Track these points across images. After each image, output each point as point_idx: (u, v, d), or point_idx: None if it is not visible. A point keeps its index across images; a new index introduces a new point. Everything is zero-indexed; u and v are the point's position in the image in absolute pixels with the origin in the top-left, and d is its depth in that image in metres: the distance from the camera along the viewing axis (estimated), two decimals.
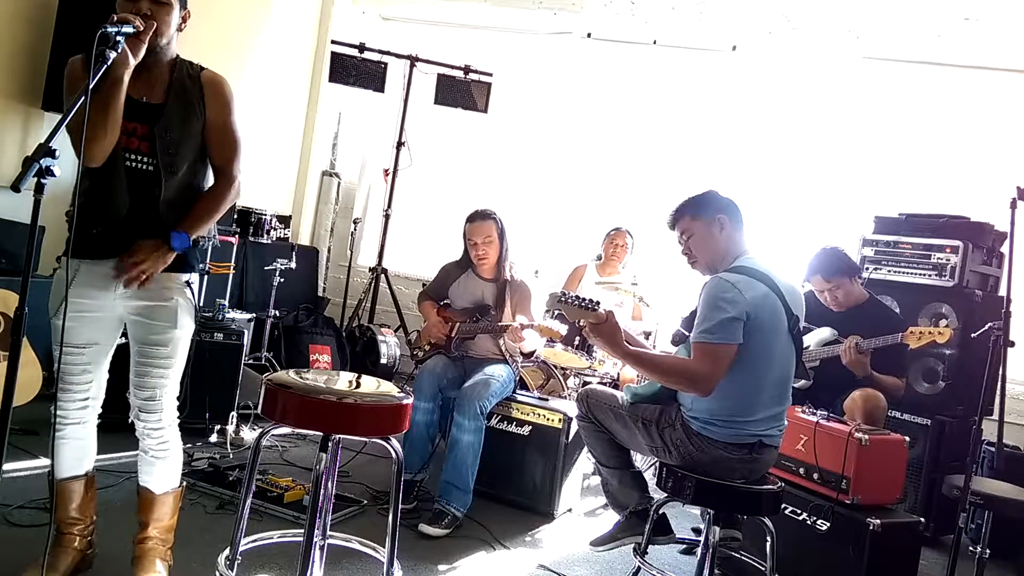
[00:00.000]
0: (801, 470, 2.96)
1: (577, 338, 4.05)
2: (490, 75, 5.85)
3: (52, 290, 2.25)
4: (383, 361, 5.39)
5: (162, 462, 2.32)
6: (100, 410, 2.34)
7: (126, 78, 2.09)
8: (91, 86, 1.83)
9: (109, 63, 1.93)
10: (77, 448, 2.30)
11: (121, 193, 2.22)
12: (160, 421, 2.29)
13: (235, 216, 5.27)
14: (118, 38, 1.95)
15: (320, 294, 6.51)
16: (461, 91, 5.86)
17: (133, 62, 2.09)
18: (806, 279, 3.56)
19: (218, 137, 2.32)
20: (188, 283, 2.33)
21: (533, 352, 3.75)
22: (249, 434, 3.99)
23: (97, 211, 2.23)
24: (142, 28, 2.05)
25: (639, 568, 2.61)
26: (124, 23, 1.99)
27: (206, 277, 4.29)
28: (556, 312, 3.96)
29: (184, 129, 2.26)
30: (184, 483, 2.45)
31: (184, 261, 2.30)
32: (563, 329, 3.49)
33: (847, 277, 3.44)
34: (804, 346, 3.31)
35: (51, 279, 3.82)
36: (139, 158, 2.22)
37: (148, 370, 2.26)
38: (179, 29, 2.28)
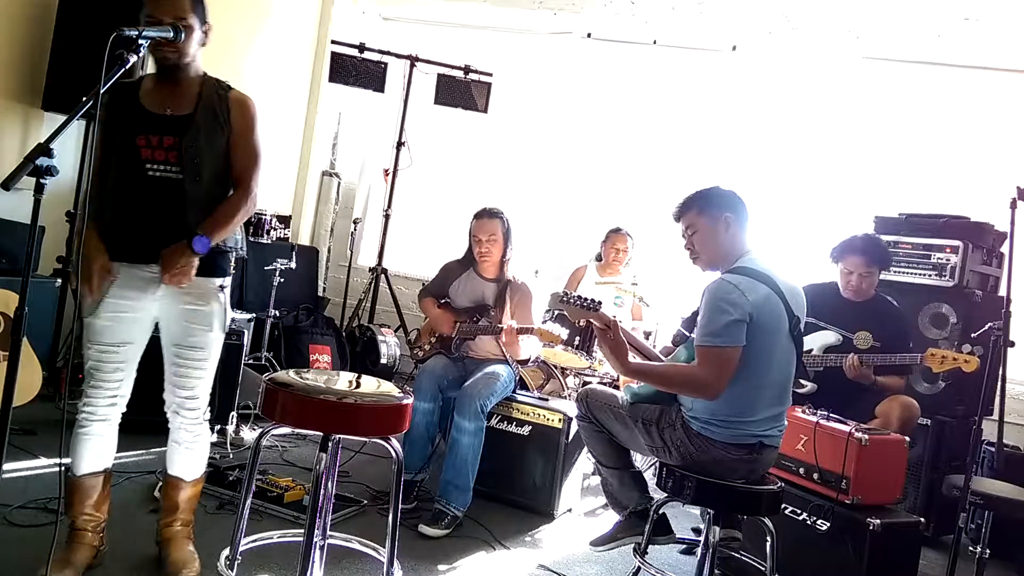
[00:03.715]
0: (801, 470, 2.96)
1: (577, 338, 4.05)
2: (490, 75, 5.85)
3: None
4: (383, 361, 5.39)
5: (194, 452, 2.44)
6: (124, 409, 2.38)
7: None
8: (104, 89, 1.84)
9: (127, 67, 1.94)
10: (99, 444, 2.34)
11: (148, 203, 2.30)
12: (197, 416, 2.40)
13: None
14: (140, 41, 1.99)
15: (320, 294, 6.51)
16: (461, 91, 5.86)
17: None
18: (839, 258, 3.49)
19: (239, 151, 2.40)
20: (222, 287, 2.43)
21: (527, 360, 3.76)
22: (249, 434, 3.99)
23: (128, 221, 2.31)
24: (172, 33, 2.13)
25: (639, 568, 2.61)
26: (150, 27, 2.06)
27: None
28: (557, 312, 3.97)
29: (209, 140, 2.34)
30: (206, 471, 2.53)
31: (218, 266, 2.41)
32: (563, 333, 3.49)
33: (880, 269, 3.47)
34: (807, 349, 3.32)
35: (51, 279, 3.83)
36: (166, 167, 2.30)
37: (186, 372, 2.36)
38: (202, 44, 2.36)
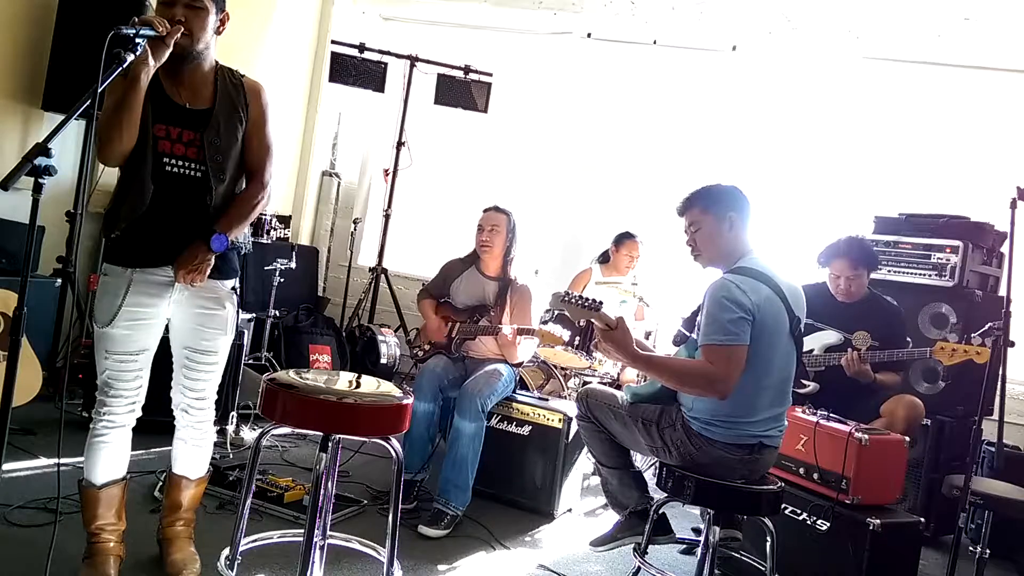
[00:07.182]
0: (801, 470, 2.95)
1: (577, 339, 4.05)
2: (490, 75, 5.85)
3: (97, 298, 2.26)
4: (383, 361, 5.39)
5: (200, 450, 2.43)
6: (140, 413, 2.35)
7: (144, 80, 2.08)
8: (101, 88, 1.82)
9: (126, 64, 1.92)
10: (116, 452, 2.31)
11: (166, 204, 2.22)
12: (206, 415, 2.40)
13: None
14: (137, 40, 1.95)
15: (320, 294, 6.50)
16: (461, 91, 5.86)
17: (154, 64, 2.09)
18: (825, 262, 3.54)
19: (255, 142, 2.36)
20: (234, 288, 2.40)
21: (522, 363, 3.77)
22: (249, 434, 3.99)
23: (145, 224, 2.22)
24: (165, 32, 2.05)
25: (639, 568, 2.61)
26: (145, 25, 1.99)
27: None
28: (558, 312, 3.97)
29: (230, 134, 2.28)
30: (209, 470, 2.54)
31: (230, 267, 2.37)
32: (565, 335, 3.49)
33: (867, 271, 3.48)
34: (808, 349, 3.32)
35: (51, 279, 3.83)
36: (186, 164, 2.23)
37: (197, 374, 2.35)
38: (217, 32, 2.29)
